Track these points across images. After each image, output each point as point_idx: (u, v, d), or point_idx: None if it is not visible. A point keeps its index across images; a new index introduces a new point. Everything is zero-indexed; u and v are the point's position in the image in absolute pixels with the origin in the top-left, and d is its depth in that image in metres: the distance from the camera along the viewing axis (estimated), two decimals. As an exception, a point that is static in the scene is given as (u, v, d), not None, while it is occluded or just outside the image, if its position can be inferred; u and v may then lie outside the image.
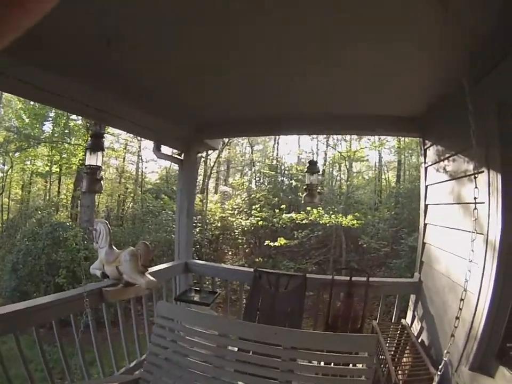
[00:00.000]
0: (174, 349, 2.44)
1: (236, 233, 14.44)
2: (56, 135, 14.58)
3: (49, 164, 14.97)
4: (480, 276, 2.31)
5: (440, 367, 2.24)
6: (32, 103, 12.91)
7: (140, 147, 18.02)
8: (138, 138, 16.57)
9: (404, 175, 16.85)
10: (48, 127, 15.09)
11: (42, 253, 9.55)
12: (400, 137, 12.15)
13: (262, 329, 2.44)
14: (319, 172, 4.62)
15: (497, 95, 2.24)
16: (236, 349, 2.46)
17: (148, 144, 16.02)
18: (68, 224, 11.14)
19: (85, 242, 9.80)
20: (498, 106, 2.22)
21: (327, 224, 12.10)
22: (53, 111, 13.66)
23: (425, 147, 3.69)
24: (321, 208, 12.08)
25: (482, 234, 2.34)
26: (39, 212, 12.70)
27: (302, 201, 4.81)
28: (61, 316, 2.83)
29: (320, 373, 2.40)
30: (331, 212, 12.20)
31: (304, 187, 4.15)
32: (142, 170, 19.03)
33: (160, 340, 2.49)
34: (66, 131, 14.32)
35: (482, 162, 2.30)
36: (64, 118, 13.91)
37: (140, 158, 18.63)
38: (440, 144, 3.37)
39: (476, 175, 2.03)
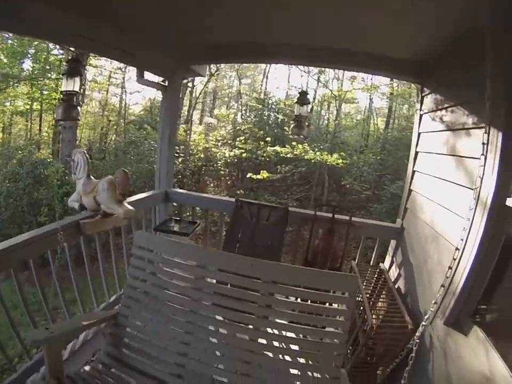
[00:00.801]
0: (153, 281, 2.35)
1: (219, 165, 14.34)
2: (36, 72, 13.57)
3: (29, 102, 14.22)
4: (467, 232, 2.26)
5: (426, 316, 2.27)
6: (10, 41, 12.13)
7: (123, 78, 17.34)
8: (123, 69, 15.88)
9: (393, 123, 16.64)
10: (28, 64, 14.05)
11: (24, 193, 9.35)
12: (398, 80, 11.79)
13: (240, 260, 2.31)
14: (309, 103, 4.39)
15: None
16: (214, 281, 2.39)
17: (133, 75, 15.42)
18: (48, 161, 10.78)
19: (66, 178, 9.55)
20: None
21: (312, 161, 12.02)
22: (32, 47, 12.81)
23: (423, 94, 3.50)
24: (306, 145, 11.93)
25: (472, 189, 2.27)
26: (20, 152, 12.07)
27: (290, 133, 4.64)
28: (37, 254, 2.65)
29: (297, 309, 2.38)
30: (316, 150, 12.06)
31: (293, 118, 4.01)
32: (125, 102, 18.45)
33: (138, 273, 2.38)
34: (47, 67, 13.32)
35: (485, 117, 2.15)
36: (45, 53, 12.99)
37: (124, 90, 17.97)
38: (440, 92, 3.18)
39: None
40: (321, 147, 12.66)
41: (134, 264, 2.39)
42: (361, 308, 2.92)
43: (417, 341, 2.24)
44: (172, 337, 2.22)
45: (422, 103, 3.53)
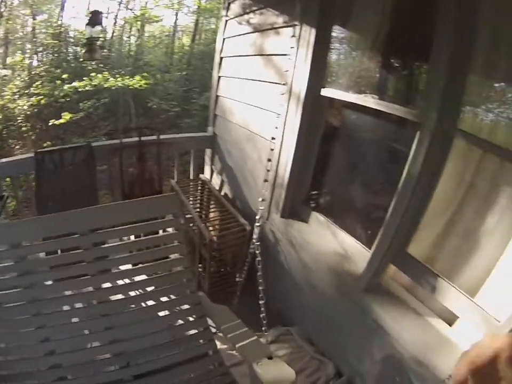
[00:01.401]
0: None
1: (19, 121, 11.93)
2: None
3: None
4: (282, 126, 2.32)
5: (257, 217, 2.31)
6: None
7: None
8: None
9: (200, 38, 16.14)
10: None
11: None
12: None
13: (50, 220, 1.78)
14: (100, 23, 3.80)
15: None
16: (43, 255, 1.94)
17: None
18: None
19: None
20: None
21: (113, 88, 10.98)
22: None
23: (230, 0, 3.32)
24: (107, 73, 10.76)
25: (285, 85, 2.33)
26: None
27: (81, 59, 4.01)
28: None
29: (134, 249, 2.12)
30: (117, 76, 11.01)
31: (84, 43, 3.44)
32: None
33: None
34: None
35: (296, 16, 2.21)
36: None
37: None
38: None
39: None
40: (123, 72, 11.59)
41: None
42: (194, 224, 2.85)
43: (258, 243, 2.34)
44: (30, 342, 1.74)
45: (228, 9, 3.35)
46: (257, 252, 2.32)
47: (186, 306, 1.94)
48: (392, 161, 2.09)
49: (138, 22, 13.80)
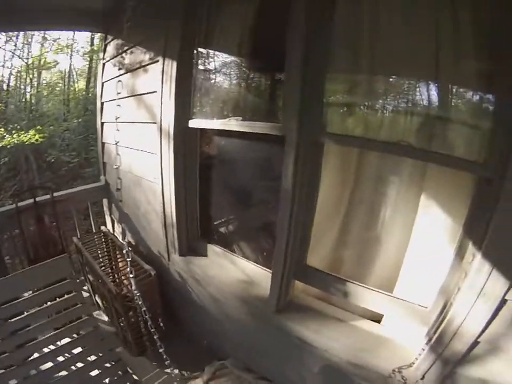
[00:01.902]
0: None
1: None
2: None
3: None
4: (159, 165, 2.23)
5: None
6: None
7: None
8: None
9: (95, 80, 15.38)
10: None
11: None
12: (81, 31, 10.57)
13: None
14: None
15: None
16: None
17: None
18: None
19: None
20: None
21: (8, 146, 10.18)
22: None
23: (106, 42, 3.14)
24: (2, 130, 9.98)
25: (155, 123, 2.27)
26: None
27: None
28: None
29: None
30: (14, 131, 10.23)
31: None
32: None
33: None
34: None
35: (159, 51, 2.17)
36: None
37: None
38: (121, 37, 2.90)
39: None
40: (19, 127, 10.80)
41: None
42: (101, 279, 2.67)
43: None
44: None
45: (105, 51, 3.17)
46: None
47: (109, 365, 1.93)
48: (270, 179, 2.08)
49: (34, 70, 12.92)
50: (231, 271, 2.19)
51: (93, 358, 1.94)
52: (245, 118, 2.05)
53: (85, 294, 2.92)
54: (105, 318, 3.13)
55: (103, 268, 2.96)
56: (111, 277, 3.03)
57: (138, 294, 2.15)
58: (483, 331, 1.30)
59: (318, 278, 1.85)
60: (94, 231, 3.33)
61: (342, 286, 1.77)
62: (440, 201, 1.60)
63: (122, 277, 2.85)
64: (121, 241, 2.98)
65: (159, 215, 2.30)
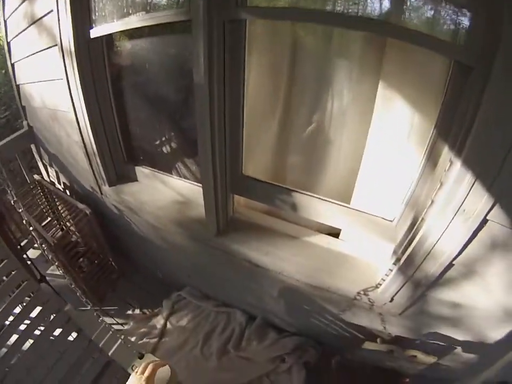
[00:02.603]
0: None
1: None
2: None
3: None
4: (67, 89, 1.89)
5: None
6: None
7: None
8: None
9: None
10: None
11: None
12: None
13: None
14: None
15: None
16: None
17: None
18: None
19: None
20: None
21: None
22: None
23: None
24: None
25: (56, 45, 1.88)
26: None
27: None
28: None
29: None
30: None
31: None
32: None
33: None
34: None
35: None
36: None
37: None
38: None
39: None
40: None
41: None
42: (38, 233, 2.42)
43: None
44: None
45: None
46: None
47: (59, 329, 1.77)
48: (186, 78, 1.73)
49: None
50: (164, 193, 1.96)
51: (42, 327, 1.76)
52: (148, 11, 1.70)
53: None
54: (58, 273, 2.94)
55: (45, 218, 2.70)
56: (57, 226, 2.80)
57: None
58: (459, 253, 1.13)
59: (259, 190, 1.59)
60: (29, 182, 2.99)
61: (288, 197, 1.53)
62: (405, 92, 1.31)
63: (67, 223, 2.59)
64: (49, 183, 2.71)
65: (80, 145, 2.00)
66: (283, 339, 2.21)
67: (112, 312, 2.67)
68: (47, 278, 2.86)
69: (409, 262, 1.26)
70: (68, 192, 2.74)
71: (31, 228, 1.76)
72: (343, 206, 1.45)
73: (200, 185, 1.76)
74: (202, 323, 2.39)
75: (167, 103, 1.90)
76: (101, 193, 2.20)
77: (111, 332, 1.61)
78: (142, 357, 1.34)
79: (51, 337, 1.75)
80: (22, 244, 2.88)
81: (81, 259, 2.57)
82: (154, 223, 1.98)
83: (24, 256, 2.64)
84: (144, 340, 2.41)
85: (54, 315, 1.76)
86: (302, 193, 1.49)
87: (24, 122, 2.87)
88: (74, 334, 1.79)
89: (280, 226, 1.73)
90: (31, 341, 1.70)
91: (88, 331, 1.72)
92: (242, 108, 1.41)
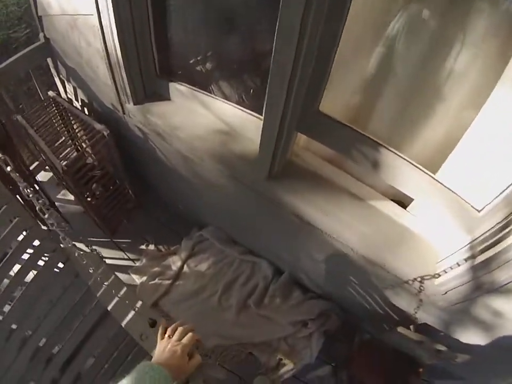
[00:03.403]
0: None
1: None
2: None
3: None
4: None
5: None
6: None
7: None
8: None
9: None
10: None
11: None
12: None
13: None
14: None
15: None
16: None
17: None
18: None
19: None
20: None
21: None
22: None
23: None
24: None
25: None
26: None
27: None
28: None
29: None
30: None
31: None
32: None
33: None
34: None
35: None
36: None
37: None
38: None
39: None
40: None
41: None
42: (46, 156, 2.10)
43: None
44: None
45: None
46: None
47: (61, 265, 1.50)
48: None
49: None
50: (203, 119, 1.58)
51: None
52: None
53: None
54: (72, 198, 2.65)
55: (59, 138, 2.32)
56: (73, 146, 2.44)
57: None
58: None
59: (335, 133, 1.18)
60: (42, 99, 2.58)
61: (370, 151, 1.14)
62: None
63: (83, 144, 2.25)
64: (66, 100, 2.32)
65: (102, 56, 1.60)
66: (309, 301, 1.97)
67: (124, 246, 2.42)
68: (58, 203, 2.63)
69: (485, 264, 0.97)
70: (86, 110, 2.37)
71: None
72: (430, 176, 1.10)
73: (255, 113, 1.39)
74: (224, 270, 2.13)
75: (226, 9, 1.45)
76: (123, 113, 1.82)
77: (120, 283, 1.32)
78: (154, 325, 1.11)
79: (55, 270, 1.48)
80: (31, 168, 2.60)
81: (95, 185, 2.26)
82: (186, 153, 1.61)
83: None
84: (157, 280, 2.17)
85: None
86: (388, 149, 1.12)
87: (40, 35, 2.41)
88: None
89: (343, 180, 1.37)
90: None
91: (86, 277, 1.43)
92: (342, 29, 0.97)
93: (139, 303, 1.23)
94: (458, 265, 1.06)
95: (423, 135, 1.18)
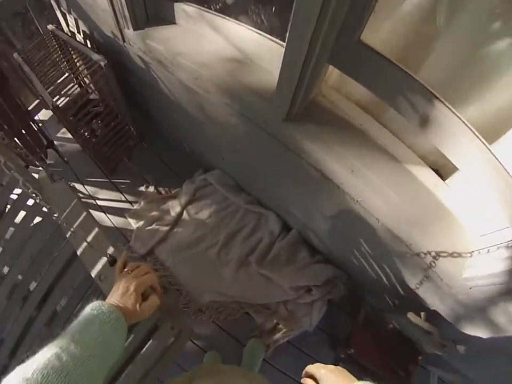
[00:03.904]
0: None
1: None
2: None
3: None
4: None
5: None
6: None
7: None
8: None
9: None
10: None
11: None
12: None
13: None
14: None
15: None
16: None
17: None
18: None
19: None
20: None
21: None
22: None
23: None
24: None
25: None
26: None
27: None
28: None
29: None
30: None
31: None
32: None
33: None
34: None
35: None
36: None
37: None
38: None
39: None
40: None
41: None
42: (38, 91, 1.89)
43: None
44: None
45: None
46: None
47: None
48: None
49: None
50: (212, 44, 1.31)
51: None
52: None
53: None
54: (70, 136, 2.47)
55: (61, 74, 2.08)
56: (74, 81, 2.14)
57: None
58: None
59: (379, 71, 0.87)
60: (42, 33, 2.32)
61: (420, 101, 0.86)
62: None
63: (85, 79, 2.02)
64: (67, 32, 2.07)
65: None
66: (315, 265, 1.79)
67: (122, 187, 2.27)
68: (58, 142, 2.47)
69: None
70: (88, 42, 2.11)
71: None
72: (487, 147, 0.82)
73: (273, 38, 1.13)
74: (226, 220, 1.95)
75: None
76: (123, 41, 1.57)
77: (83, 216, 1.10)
78: (114, 263, 0.94)
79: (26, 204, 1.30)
80: (30, 108, 2.48)
81: (94, 120, 2.05)
82: (190, 84, 1.35)
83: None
84: (154, 225, 2.00)
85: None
86: (444, 104, 0.83)
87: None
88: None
89: (378, 135, 1.10)
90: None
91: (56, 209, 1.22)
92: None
93: (92, 236, 1.03)
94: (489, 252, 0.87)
95: (486, 95, 0.89)
